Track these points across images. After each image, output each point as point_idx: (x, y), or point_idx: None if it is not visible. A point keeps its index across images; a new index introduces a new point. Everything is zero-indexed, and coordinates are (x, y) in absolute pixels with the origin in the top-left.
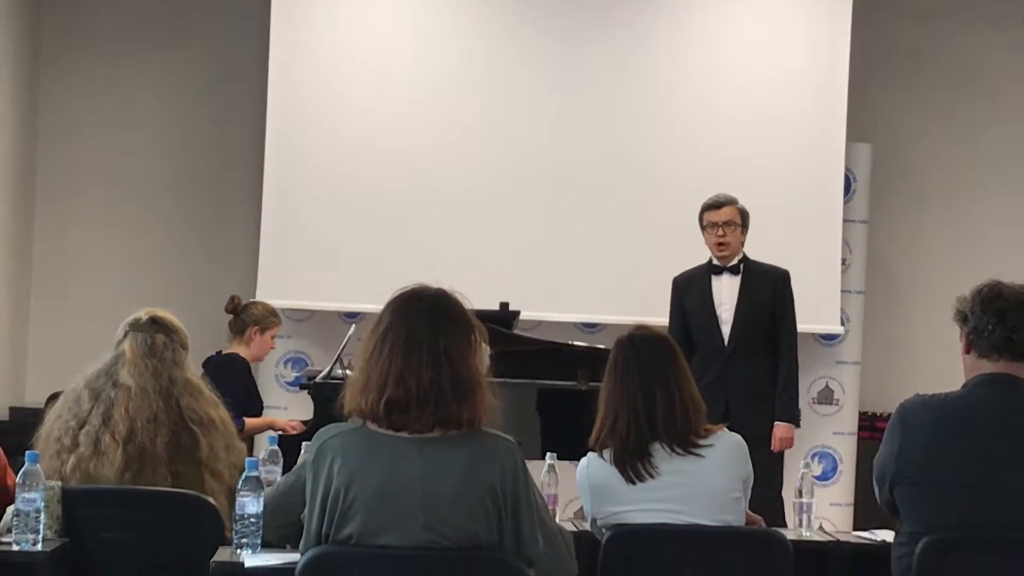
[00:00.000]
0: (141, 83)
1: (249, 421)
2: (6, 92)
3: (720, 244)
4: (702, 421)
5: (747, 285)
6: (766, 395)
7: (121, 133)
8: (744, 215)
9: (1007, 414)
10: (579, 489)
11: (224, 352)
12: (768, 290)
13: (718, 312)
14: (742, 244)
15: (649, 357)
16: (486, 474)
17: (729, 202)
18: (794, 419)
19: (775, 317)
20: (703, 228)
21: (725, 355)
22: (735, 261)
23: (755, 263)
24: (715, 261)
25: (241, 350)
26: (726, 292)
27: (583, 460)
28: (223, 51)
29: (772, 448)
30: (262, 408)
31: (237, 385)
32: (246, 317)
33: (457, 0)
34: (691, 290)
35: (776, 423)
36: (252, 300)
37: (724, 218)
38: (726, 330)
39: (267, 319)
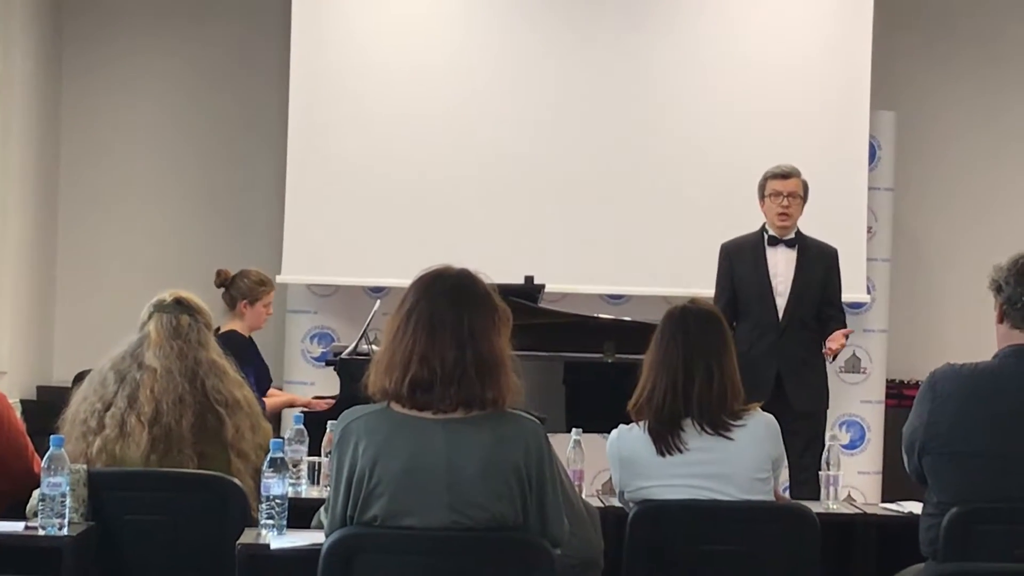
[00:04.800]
0: (166, 65)
1: (269, 400)
2: (28, 69)
3: (783, 215)
4: (738, 405)
5: (803, 260)
6: (816, 370)
7: (145, 116)
8: (807, 188)
9: None
10: (609, 460)
11: (221, 331)
12: (821, 268)
13: (773, 284)
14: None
15: (697, 333)
16: (510, 454)
17: (795, 173)
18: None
19: (824, 293)
20: (764, 196)
21: (779, 329)
22: (791, 234)
23: (808, 238)
24: (771, 231)
25: (236, 324)
26: (782, 265)
27: (614, 432)
28: (246, 33)
29: (827, 348)
30: (270, 382)
31: (241, 363)
32: (234, 292)
33: None
34: (743, 258)
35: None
36: (242, 270)
37: (789, 189)
38: (781, 303)
39: (255, 290)
